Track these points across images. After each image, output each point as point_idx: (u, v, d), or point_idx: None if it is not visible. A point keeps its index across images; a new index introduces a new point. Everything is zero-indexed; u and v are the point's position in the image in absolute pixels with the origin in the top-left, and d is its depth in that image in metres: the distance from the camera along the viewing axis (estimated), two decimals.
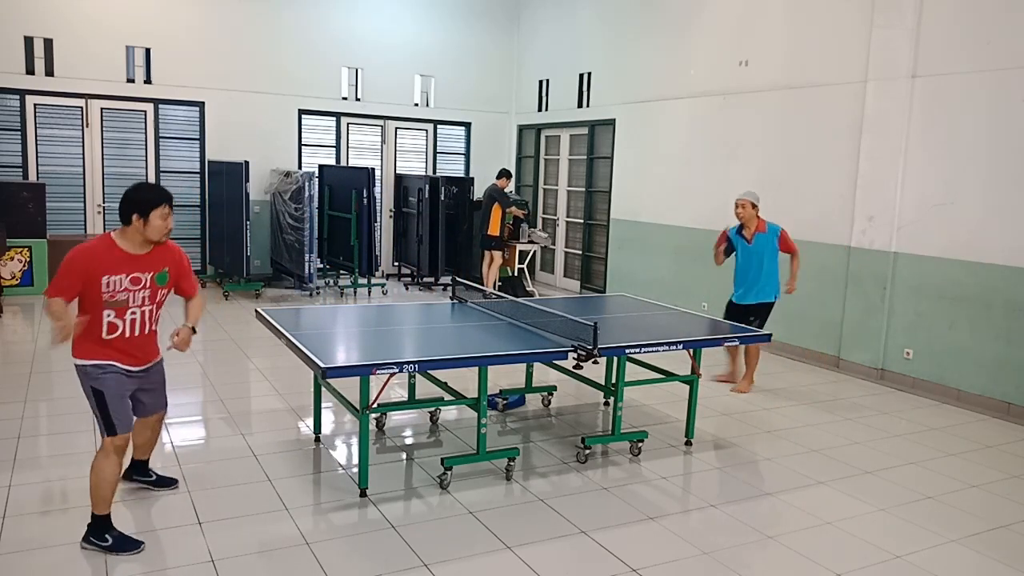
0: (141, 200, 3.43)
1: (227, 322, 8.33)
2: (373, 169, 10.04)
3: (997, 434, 5.67)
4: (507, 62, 12.39)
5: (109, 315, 3.43)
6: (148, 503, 3.98)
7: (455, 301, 5.71)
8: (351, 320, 5.36)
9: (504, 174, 10.41)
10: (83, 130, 9.94)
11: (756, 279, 6.21)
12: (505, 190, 10.36)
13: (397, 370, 3.94)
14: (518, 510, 4.08)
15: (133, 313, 3.49)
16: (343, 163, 11.53)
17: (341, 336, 4.83)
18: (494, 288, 10.06)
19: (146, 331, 3.58)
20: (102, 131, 10.04)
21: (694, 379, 5.12)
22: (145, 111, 10.22)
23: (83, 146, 9.96)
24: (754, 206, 6.17)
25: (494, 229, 10.25)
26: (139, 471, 4.12)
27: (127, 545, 3.46)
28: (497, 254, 10.35)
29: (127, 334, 3.50)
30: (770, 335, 5.38)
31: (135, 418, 3.74)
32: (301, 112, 11.13)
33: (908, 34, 6.70)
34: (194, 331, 3.74)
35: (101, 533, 3.47)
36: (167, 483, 4.15)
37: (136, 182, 3.58)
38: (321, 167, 10.90)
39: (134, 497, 4.02)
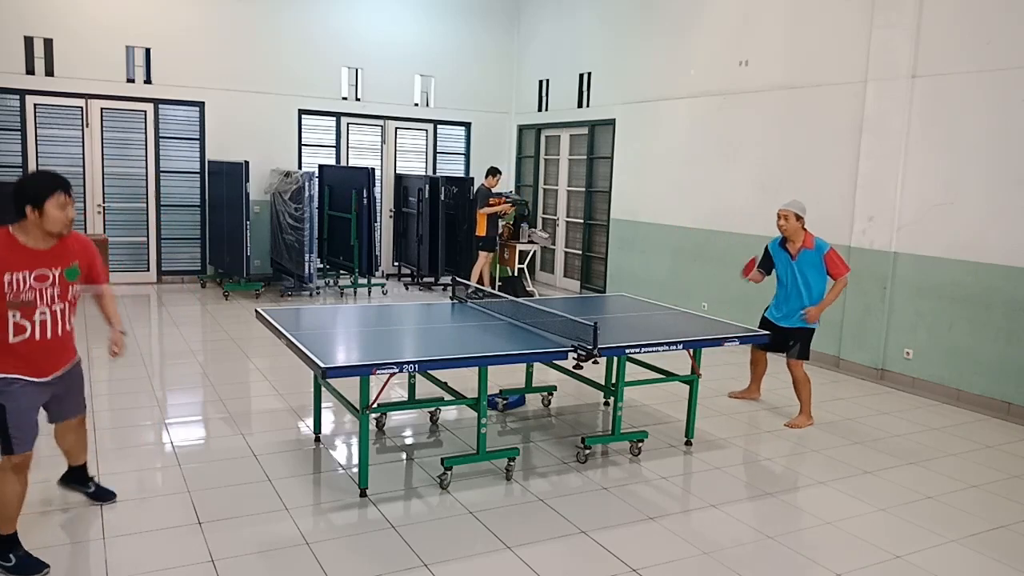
0: (32, 190, 3.13)
1: (227, 322, 8.33)
2: (373, 169, 10.04)
3: (997, 434, 5.67)
4: (507, 62, 12.39)
5: (15, 316, 3.16)
6: (148, 503, 3.98)
7: (455, 301, 5.71)
8: (351, 320, 5.36)
9: (492, 172, 10.20)
10: (83, 130, 9.94)
11: (799, 302, 5.62)
12: (494, 189, 10.21)
13: (397, 370, 3.94)
14: (518, 510, 4.08)
15: (43, 313, 3.22)
16: (343, 163, 11.53)
17: (341, 336, 4.82)
18: (492, 287, 10.04)
19: (59, 332, 3.31)
20: (102, 131, 10.04)
21: (694, 379, 5.12)
22: (145, 111, 10.21)
23: (83, 146, 9.96)
24: (799, 218, 5.53)
25: (480, 230, 10.10)
26: (76, 479, 3.86)
27: (31, 568, 3.20)
28: (482, 254, 10.20)
29: (37, 336, 3.22)
30: (766, 335, 5.38)
31: (54, 424, 3.60)
32: (301, 112, 11.12)
33: (908, 34, 6.70)
34: (123, 333, 3.64)
35: (4, 552, 3.21)
36: (105, 496, 3.88)
37: (35, 171, 3.30)
38: (321, 167, 10.90)
39: (132, 496, 4.02)
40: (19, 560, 3.21)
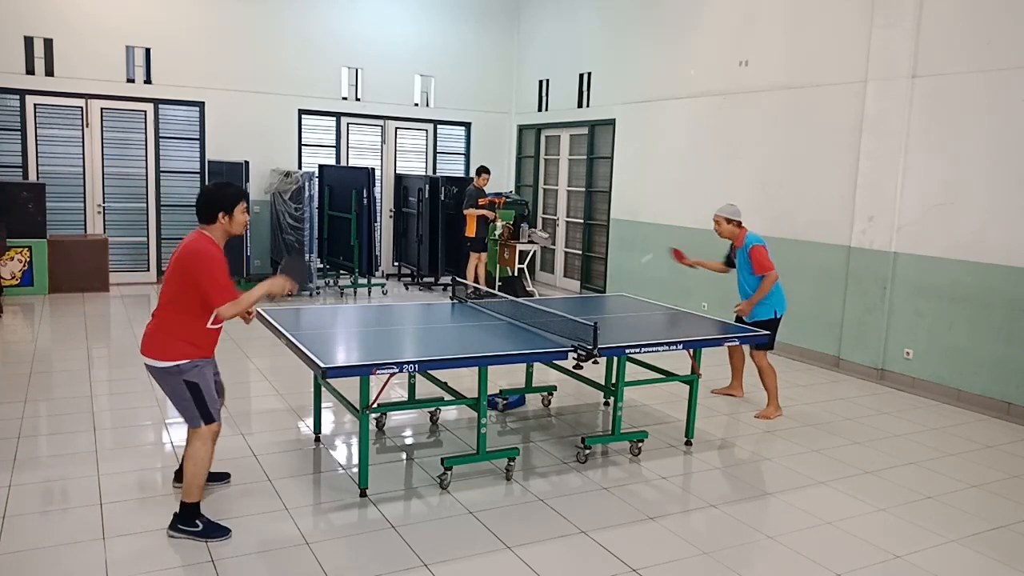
0: (226, 197, 3.70)
1: (227, 322, 8.30)
2: (373, 169, 10.04)
3: (997, 434, 5.67)
4: (507, 62, 12.39)
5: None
6: (147, 503, 3.98)
7: (455, 301, 5.71)
8: (351, 320, 5.36)
9: (479, 171, 10.08)
10: (83, 130, 9.94)
11: (743, 296, 5.83)
12: (484, 187, 10.13)
13: (397, 370, 3.94)
14: (518, 510, 4.08)
15: None
16: (343, 163, 11.53)
17: (341, 336, 4.83)
18: (491, 287, 10.03)
19: None
20: (102, 131, 10.04)
21: (694, 379, 5.12)
22: (145, 111, 10.21)
23: (83, 146, 9.96)
24: (729, 221, 5.73)
25: (468, 230, 10.03)
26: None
27: (217, 532, 3.58)
28: (473, 255, 10.14)
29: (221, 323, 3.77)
30: (766, 335, 5.38)
31: None
32: (301, 112, 11.13)
33: (908, 34, 6.70)
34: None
35: (192, 519, 3.59)
36: (220, 477, 4.21)
37: (215, 182, 3.74)
38: (321, 167, 10.91)
39: (132, 496, 4.02)
40: (206, 526, 3.60)
